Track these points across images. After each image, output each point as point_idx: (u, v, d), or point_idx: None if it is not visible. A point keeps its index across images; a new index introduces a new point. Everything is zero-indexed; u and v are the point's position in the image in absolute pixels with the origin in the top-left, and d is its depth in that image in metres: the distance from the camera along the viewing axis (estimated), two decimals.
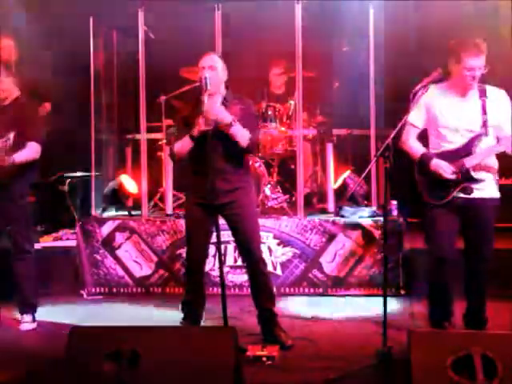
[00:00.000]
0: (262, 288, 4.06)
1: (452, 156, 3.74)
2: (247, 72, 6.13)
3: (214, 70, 3.87)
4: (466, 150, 3.73)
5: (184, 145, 3.89)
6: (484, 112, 3.71)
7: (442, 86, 3.77)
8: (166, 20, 6.00)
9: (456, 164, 3.71)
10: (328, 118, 6.43)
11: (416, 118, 3.81)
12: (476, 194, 3.77)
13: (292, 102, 5.99)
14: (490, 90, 3.78)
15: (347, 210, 5.43)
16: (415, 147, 3.82)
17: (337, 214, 5.56)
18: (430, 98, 3.76)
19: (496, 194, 3.86)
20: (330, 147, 5.93)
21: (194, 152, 3.88)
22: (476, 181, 3.74)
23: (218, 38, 5.59)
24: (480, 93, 3.75)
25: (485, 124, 3.71)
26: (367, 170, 3.70)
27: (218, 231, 3.78)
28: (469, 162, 3.71)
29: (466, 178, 3.73)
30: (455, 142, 3.76)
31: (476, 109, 3.73)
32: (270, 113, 5.91)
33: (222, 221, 4.04)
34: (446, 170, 3.70)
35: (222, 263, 3.68)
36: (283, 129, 5.91)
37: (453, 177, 3.71)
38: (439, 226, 3.82)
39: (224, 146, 3.89)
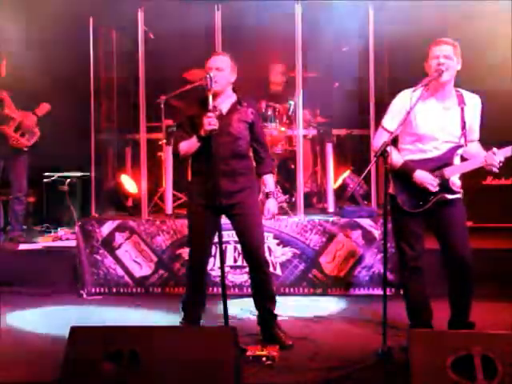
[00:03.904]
0: (263, 289, 4.06)
1: (431, 165, 3.70)
2: (247, 72, 6.13)
3: (220, 71, 3.87)
4: (445, 160, 3.70)
5: (191, 145, 3.87)
6: (463, 123, 3.68)
7: (419, 90, 3.64)
8: (165, 20, 6.00)
9: (435, 174, 3.68)
10: (328, 118, 6.44)
11: (390, 122, 3.73)
12: (447, 196, 3.74)
13: (292, 102, 5.99)
14: (467, 96, 3.75)
15: (347, 209, 5.43)
16: (392, 154, 3.65)
17: (337, 214, 5.56)
18: (406, 101, 3.65)
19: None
20: (329, 147, 5.93)
21: (198, 152, 3.87)
22: (454, 192, 3.73)
23: (218, 38, 5.60)
24: (458, 99, 3.72)
25: (464, 135, 3.69)
26: (367, 169, 3.69)
27: (219, 231, 3.78)
28: (449, 172, 3.68)
29: (445, 189, 3.69)
30: (430, 150, 3.71)
31: (456, 119, 3.69)
32: (269, 113, 5.91)
33: (222, 220, 4.04)
34: (431, 183, 3.66)
35: (223, 263, 3.67)
36: (283, 129, 5.92)
37: (437, 189, 3.69)
38: (412, 230, 3.79)
39: (229, 146, 3.89)
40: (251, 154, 4.12)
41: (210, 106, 3.73)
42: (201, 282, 4.13)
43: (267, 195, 4.13)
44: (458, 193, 3.76)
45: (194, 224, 4.08)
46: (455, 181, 3.75)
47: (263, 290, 4.06)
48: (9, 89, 5.74)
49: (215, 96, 3.80)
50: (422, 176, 3.68)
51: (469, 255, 3.75)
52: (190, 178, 4.14)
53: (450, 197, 3.73)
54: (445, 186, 3.69)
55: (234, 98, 4.01)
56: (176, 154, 4.01)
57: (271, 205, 4.10)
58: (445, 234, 3.79)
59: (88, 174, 6.08)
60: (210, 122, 3.67)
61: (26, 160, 5.92)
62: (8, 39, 5.80)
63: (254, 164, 4.13)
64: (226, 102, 3.96)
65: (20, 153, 5.85)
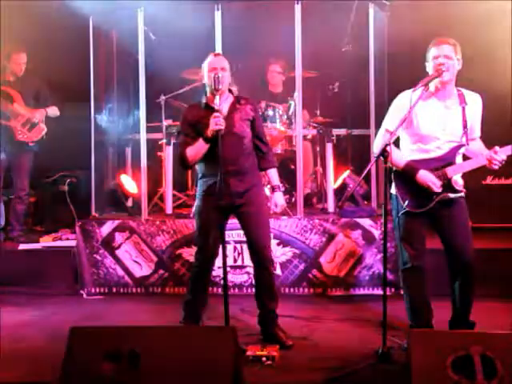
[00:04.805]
0: (267, 288, 4.07)
1: (433, 165, 3.70)
2: (247, 72, 6.14)
3: (224, 72, 3.89)
4: (448, 159, 3.70)
5: (199, 148, 3.87)
6: (465, 122, 3.68)
7: (419, 90, 3.64)
8: (166, 20, 6.00)
9: (437, 173, 3.68)
10: (328, 118, 6.43)
11: (391, 123, 3.73)
12: (450, 195, 3.74)
13: (292, 102, 5.98)
14: (468, 94, 3.75)
15: (347, 210, 5.43)
16: (394, 154, 3.61)
17: (337, 213, 5.56)
18: (406, 102, 3.65)
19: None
20: (329, 147, 5.92)
21: (205, 154, 3.87)
22: (457, 191, 3.73)
23: (217, 37, 5.60)
24: (460, 99, 3.72)
25: (465, 134, 3.69)
26: (367, 169, 3.70)
27: (223, 232, 3.78)
28: (452, 172, 3.68)
29: (448, 188, 3.69)
30: (433, 149, 3.72)
31: (457, 118, 3.70)
32: (269, 113, 5.90)
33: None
34: (435, 183, 3.66)
35: (225, 263, 3.67)
36: (283, 129, 5.91)
37: (440, 190, 3.68)
38: (414, 229, 3.79)
39: (235, 147, 3.90)
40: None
41: (217, 107, 3.74)
42: (204, 282, 4.14)
43: (273, 189, 4.17)
44: (461, 192, 3.76)
45: (201, 225, 4.07)
46: (458, 180, 3.75)
47: (267, 289, 4.07)
48: (19, 89, 5.78)
49: (221, 95, 3.81)
50: (425, 176, 3.67)
51: (472, 255, 3.76)
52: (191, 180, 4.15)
53: (452, 196, 3.74)
54: (448, 185, 3.69)
55: (231, 97, 4.02)
56: (183, 161, 3.98)
57: (278, 198, 4.14)
58: (448, 233, 3.79)
59: (88, 173, 6.07)
60: (217, 122, 3.68)
61: (30, 158, 5.94)
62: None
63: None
64: (225, 103, 3.96)
65: (25, 150, 5.86)
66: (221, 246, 3.76)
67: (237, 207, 3.98)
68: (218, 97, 3.76)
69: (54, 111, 5.95)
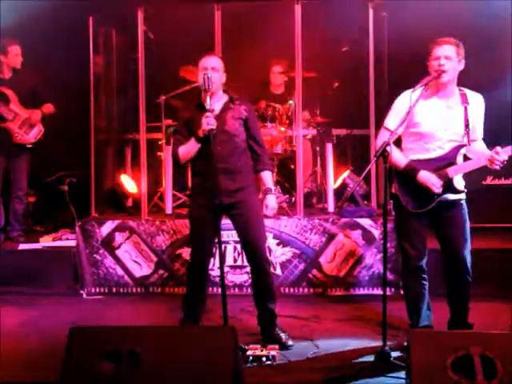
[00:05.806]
0: (265, 288, 4.06)
1: (434, 165, 3.69)
2: (247, 72, 6.14)
3: (216, 72, 3.88)
4: (449, 159, 3.69)
5: (190, 147, 3.88)
6: (466, 122, 3.68)
7: (419, 90, 3.64)
8: (165, 20, 6.00)
9: (439, 173, 3.67)
10: (328, 118, 6.44)
11: (392, 122, 3.72)
12: (450, 196, 3.75)
13: (292, 102, 5.98)
14: (470, 95, 3.74)
15: (347, 209, 5.43)
16: (395, 154, 3.64)
17: (336, 213, 5.56)
18: (406, 102, 3.65)
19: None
20: (329, 147, 5.92)
21: (198, 153, 3.88)
22: (458, 192, 3.73)
23: (217, 38, 5.60)
24: (462, 98, 3.71)
25: (467, 134, 3.69)
26: (367, 169, 3.69)
27: (219, 231, 3.78)
28: (453, 172, 3.67)
29: (448, 189, 3.69)
30: (434, 149, 3.71)
31: (459, 118, 3.69)
32: (269, 113, 5.90)
33: (222, 220, 4.05)
34: (436, 184, 3.65)
35: (222, 263, 3.67)
36: (283, 129, 5.91)
37: (440, 190, 3.67)
38: (414, 229, 3.79)
39: (226, 145, 3.90)
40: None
41: (208, 106, 3.74)
42: (201, 282, 4.14)
43: (266, 192, 4.14)
44: (462, 192, 3.75)
45: (194, 224, 4.09)
46: (459, 180, 3.75)
47: (265, 290, 4.06)
48: (14, 88, 5.77)
49: (212, 96, 3.81)
50: (425, 177, 3.67)
51: (468, 257, 3.75)
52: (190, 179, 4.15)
53: (453, 197, 3.73)
54: (449, 185, 3.69)
55: (225, 97, 4.02)
56: (176, 160, 4.00)
57: (270, 201, 4.11)
58: (446, 234, 3.78)
59: (88, 173, 6.07)
60: (209, 122, 3.68)
61: (28, 159, 5.94)
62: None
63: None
64: (218, 102, 3.96)
65: (23, 151, 5.86)
66: (218, 247, 3.75)
67: (229, 208, 3.97)
68: (208, 97, 3.76)
69: (48, 109, 5.92)
